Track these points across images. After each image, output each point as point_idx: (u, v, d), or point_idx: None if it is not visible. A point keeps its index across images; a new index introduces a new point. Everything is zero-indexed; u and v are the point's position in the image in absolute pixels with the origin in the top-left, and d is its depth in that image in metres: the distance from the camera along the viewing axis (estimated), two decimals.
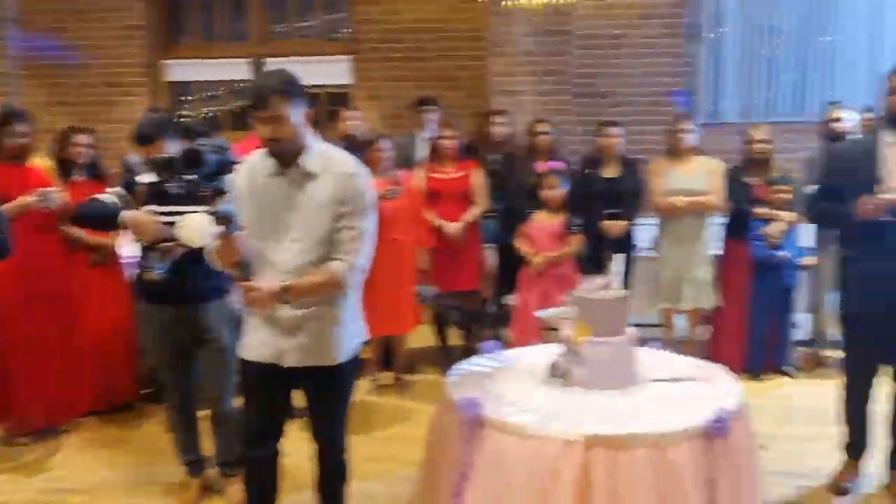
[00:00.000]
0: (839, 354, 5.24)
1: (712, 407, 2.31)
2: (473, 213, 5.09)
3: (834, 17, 6.81)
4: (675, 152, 5.09)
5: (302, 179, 2.54)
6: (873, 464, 3.59)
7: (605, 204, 5.02)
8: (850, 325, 3.54)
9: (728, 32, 6.89)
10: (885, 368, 3.45)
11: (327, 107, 7.40)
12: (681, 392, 2.53)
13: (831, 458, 3.65)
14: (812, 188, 4.91)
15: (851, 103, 5.45)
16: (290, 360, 2.59)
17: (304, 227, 2.53)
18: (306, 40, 7.67)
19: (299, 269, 2.51)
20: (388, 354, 5.06)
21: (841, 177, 3.39)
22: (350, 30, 7.45)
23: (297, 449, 2.89)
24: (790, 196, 4.93)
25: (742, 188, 5.02)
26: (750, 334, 5.10)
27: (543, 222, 4.67)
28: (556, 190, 4.63)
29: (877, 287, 3.27)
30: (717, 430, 2.23)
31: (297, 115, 2.50)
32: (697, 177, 4.99)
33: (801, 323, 5.39)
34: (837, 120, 5.12)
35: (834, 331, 5.31)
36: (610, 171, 5.16)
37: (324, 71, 7.43)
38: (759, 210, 4.96)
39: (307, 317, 2.56)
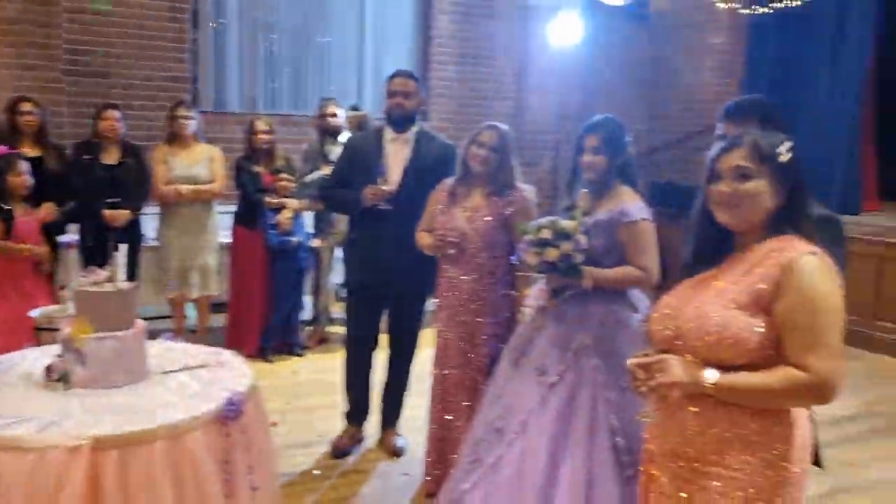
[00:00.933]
0: (341, 330, 5.76)
1: (224, 391, 2.33)
2: None
3: (328, 18, 7.38)
4: (176, 139, 5.01)
5: None
6: (373, 424, 4.03)
7: (106, 192, 4.72)
8: (353, 301, 3.90)
9: (231, 24, 6.98)
10: (383, 339, 3.89)
11: None
12: (193, 381, 2.49)
13: (338, 424, 3.99)
14: (314, 177, 5.30)
15: (343, 100, 5.98)
16: None
17: None
18: None
19: None
20: None
21: (352, 167, 3.74)
22: None
23: None
24: (294, 184, 5.21)
25: (251, 177, 5.14)
26: (267, 319, 5.29)
27: (28, 214, 4.17)
28: (23, 177, 4.15)
29: (376, 266, 3.66)
30: (229, 413, 2.25)
31: None
32: (199, 164, 5.00)
33: (306, 303, 5.76)
34: (332, 115, 5.56)
35: (335, 309, 5.84)
36: (110, 158, 4.83)
37: None
38: (269, 199, 5.14)
39: None
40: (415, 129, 3.72)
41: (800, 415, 1.74)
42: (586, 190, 2.86)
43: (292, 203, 5.20)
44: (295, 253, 5.28)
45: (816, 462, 2.09)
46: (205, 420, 2.20)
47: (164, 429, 2.11)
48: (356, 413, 3.96)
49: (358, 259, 3.81)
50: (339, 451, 3.87)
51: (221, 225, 5.25)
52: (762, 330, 1.64)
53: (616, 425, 2.60)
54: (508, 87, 8.25)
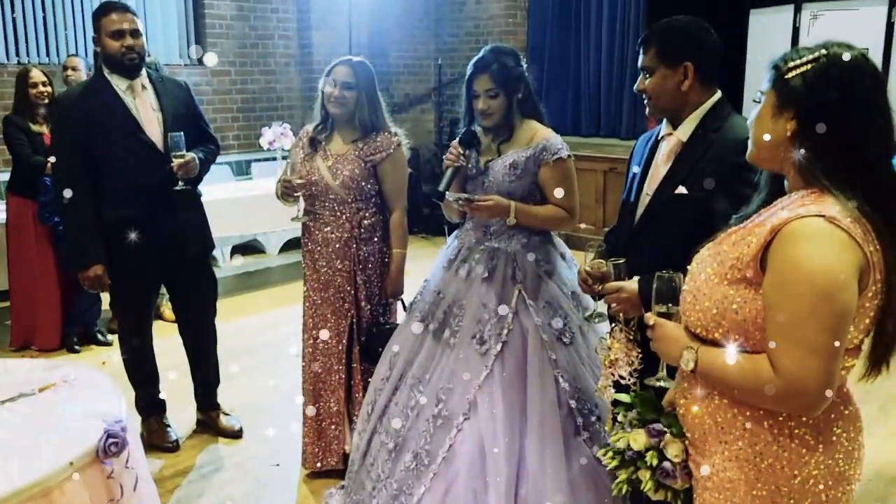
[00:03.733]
0: None
1: (94, 419, 1.79)
2: None
3: None
4: None
5: None
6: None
7: None
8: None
9: None
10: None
11: None
12: (43, 410, 1.90)
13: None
14: None
15: None
16: None
17: None
18: None
19: None
20: None
21: (94, 132, 3.01)
22: None
23: None
24: None
25: (28, 138, 4.26)
26: (65, 307, 4.52)
27: None
28: None
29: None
30: (111, 449, 1.72)
31: None
32: None
33: None
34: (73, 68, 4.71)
35: None
36: None
37: None
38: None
39: None
40: (143, 71, 3.13)
41: None
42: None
43: None
44: None
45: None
46: (80, 464, 1.66)
47: (26, 489, 1.55)
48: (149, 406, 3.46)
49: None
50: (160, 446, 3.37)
51: None
52: None
53: (567, 388, 2.38)
54: (290, 25, 7.64)
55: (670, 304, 1.52)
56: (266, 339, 4.73)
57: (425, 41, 8.46)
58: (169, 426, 3.44)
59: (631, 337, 1.89)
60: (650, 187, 2.09)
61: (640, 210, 2.10)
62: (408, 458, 2.42)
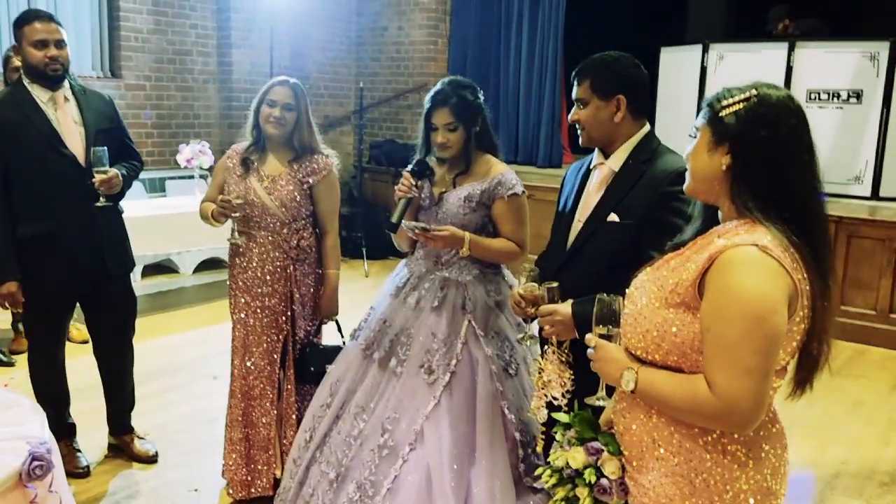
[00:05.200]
0: None
1: (17, 441, 1.71)
2: None
3: None
4: None
5: None
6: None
7: None
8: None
9: None
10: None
11: None
12: None
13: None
14: None
15: None
16: None
17: None
18: None
19: None
20: None
21: (7, 144, 2.90)
22: None
23: None
24: None
25: None
26: None
27: None
28: None
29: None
30: (36, 472, 1.65)
31: None
32: None
33: None
34: None
35: None
36: None
37: None
38: None
39: None
40: (66, 82, 3.04)
41: None
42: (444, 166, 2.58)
43: None
44: None
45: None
46: (2, 488, 1.58)
47: None
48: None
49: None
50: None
51: None
52: None
53: (513, 420, 2.40)
54: (210, 41, 7.52)
55: (610, 326, 1.58)
56: (180, 361, 4.60)
57: (347, 64, 8.49)
58: (79, 451, 3.29)
59: (563, 359, 1.95)
60: (582, 215, 2.17)
61: (572, 236, 2.18)
62: (351, 489, 2.39)
